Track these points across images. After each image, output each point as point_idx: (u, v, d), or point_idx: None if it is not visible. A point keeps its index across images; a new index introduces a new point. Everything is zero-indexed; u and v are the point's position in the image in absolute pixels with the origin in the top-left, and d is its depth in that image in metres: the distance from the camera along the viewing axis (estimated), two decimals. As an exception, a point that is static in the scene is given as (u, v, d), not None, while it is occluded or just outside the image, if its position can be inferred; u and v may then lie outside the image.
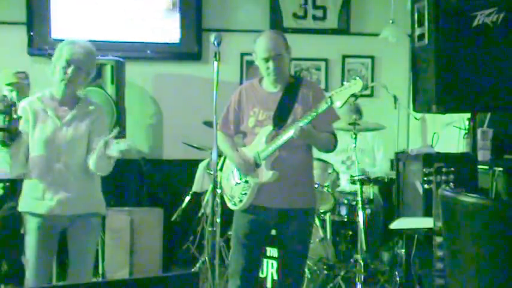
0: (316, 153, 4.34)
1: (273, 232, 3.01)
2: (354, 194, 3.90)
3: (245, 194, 2.88)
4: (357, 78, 2.64)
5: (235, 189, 2.95)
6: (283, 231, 2.92)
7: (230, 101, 2.99)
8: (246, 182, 2.88)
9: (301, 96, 2.86)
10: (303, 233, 2.93)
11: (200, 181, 4.46)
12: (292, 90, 2.88)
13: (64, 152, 2.64)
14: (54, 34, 4.84)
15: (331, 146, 2.91)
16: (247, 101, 2.94)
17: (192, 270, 4.10)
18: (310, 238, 3.04)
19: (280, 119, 2.84)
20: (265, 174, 2.83)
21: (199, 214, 4.49)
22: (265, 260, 3.57)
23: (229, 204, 3.01)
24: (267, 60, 2.81)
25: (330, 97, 2.67)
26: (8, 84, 3.83)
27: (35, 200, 2.67)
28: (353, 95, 2.64)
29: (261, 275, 3.54)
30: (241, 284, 2.92)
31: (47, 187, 2.65)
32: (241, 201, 2.90)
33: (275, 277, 3.51)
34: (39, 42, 4.76)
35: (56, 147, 2.64)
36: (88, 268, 2.79)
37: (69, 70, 2.64)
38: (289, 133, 2.73)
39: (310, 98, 2.84)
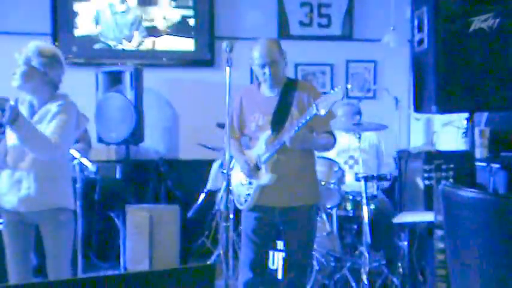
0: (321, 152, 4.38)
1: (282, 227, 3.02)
2: (359, 191, 3.88)
3: (249, 194, 2.91)
4: (339, 87, 2.63)
5: (241, 189, 2.97)
6: (287, 227, 2.93)
7: (233, 108, 3.01)
8: (250, 183, 2.89)
9: (297, 99, 2.85)
10: (306, 228, 2.92)
11: (214, 179, 4.46)
12: (288, 93, 2.87)
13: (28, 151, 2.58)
14: (77, 45, 4.89)
15: (328, 146, 2.90)
16: (247, 107, 2.94)
17: (208, 262, 4.10)
18: (313, 232, 3.03)
19: (278, 123, 2.84)
20: (265, 177, 2.84)
21: (214, 210, 4.50)
22: (275, 253, 3.57)
23: (237, 204, 3.03)
24: (263, 66, 2.80)
25: (315, 105, 2.63)
26: None
27: (2, 196, 2.66)
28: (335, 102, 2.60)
29: (272, 267, 3.54)
30: (252, 275, 2.94)
31: (12, 184, 2.61)
32: (246, 201, 2.93)
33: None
34: (63, 53, 4.77)
35: (22, 147, 2.57)
36: (64, 263, 2.67)
37: (19, 71, 2.58)
38: (282, 141, 2.73)
39: (306, 100, 2.82)
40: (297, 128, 2.68)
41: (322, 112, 2.60)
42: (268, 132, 2.84)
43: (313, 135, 2.81)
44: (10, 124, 2.41)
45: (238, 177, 2.99)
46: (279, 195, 2.86)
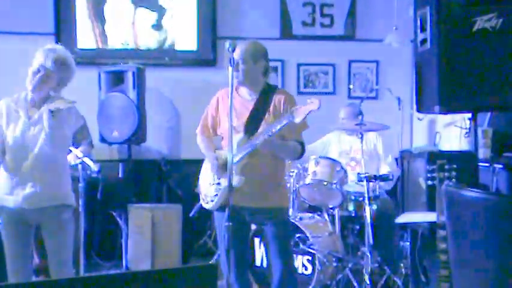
0: (324, 152, 4.37)
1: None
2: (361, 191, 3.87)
3: (216, 195, 2.90)
4: (317, 98, 2.64)
5: (209, 189, 2.96)
6: (260, 228, 2.94)
7: (208, 106, 3.02)
8: (219, 184, 2.89)
9: (274, 105, 2.86)
10: (278, 230, 2.91)
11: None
12: (265, 98, 2.88)
13: (31, 149, 2.60)
14: (80, 44, 4.89)
15: (296, 155, 2.90)
16: (224, 107, 2.93)
17: (210, 262, 4.10)
18: (287, 233, 3.03)
19: (252, 126, 2.85)
20: (233, 179, 2.81)
21: (216, 210, 4.49)
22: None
23: (203, 203, 3.02)
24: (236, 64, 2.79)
25: (291, 113, 2.65)
26: None
27: (4, 195, 2.66)
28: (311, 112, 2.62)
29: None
30: (236, 276, 2.92)
31: (15, 184, 2.63)
32: (212, 201, 2.92)
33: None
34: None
35: (24, 146, 2.60)
36: (66, 260, 2.69)
37: (37, 76, 2.59)
38: (254, 144, 2.74)
39: (281, 106, 2.84)
40: (270, 133, 2.70)
41: (297, 120, 2.64)
42: (241, 134, 2.85)
43: (283, 141, 2.82)
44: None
45: (206, 176, 3.00)
46: (247, 197, 2.85)
